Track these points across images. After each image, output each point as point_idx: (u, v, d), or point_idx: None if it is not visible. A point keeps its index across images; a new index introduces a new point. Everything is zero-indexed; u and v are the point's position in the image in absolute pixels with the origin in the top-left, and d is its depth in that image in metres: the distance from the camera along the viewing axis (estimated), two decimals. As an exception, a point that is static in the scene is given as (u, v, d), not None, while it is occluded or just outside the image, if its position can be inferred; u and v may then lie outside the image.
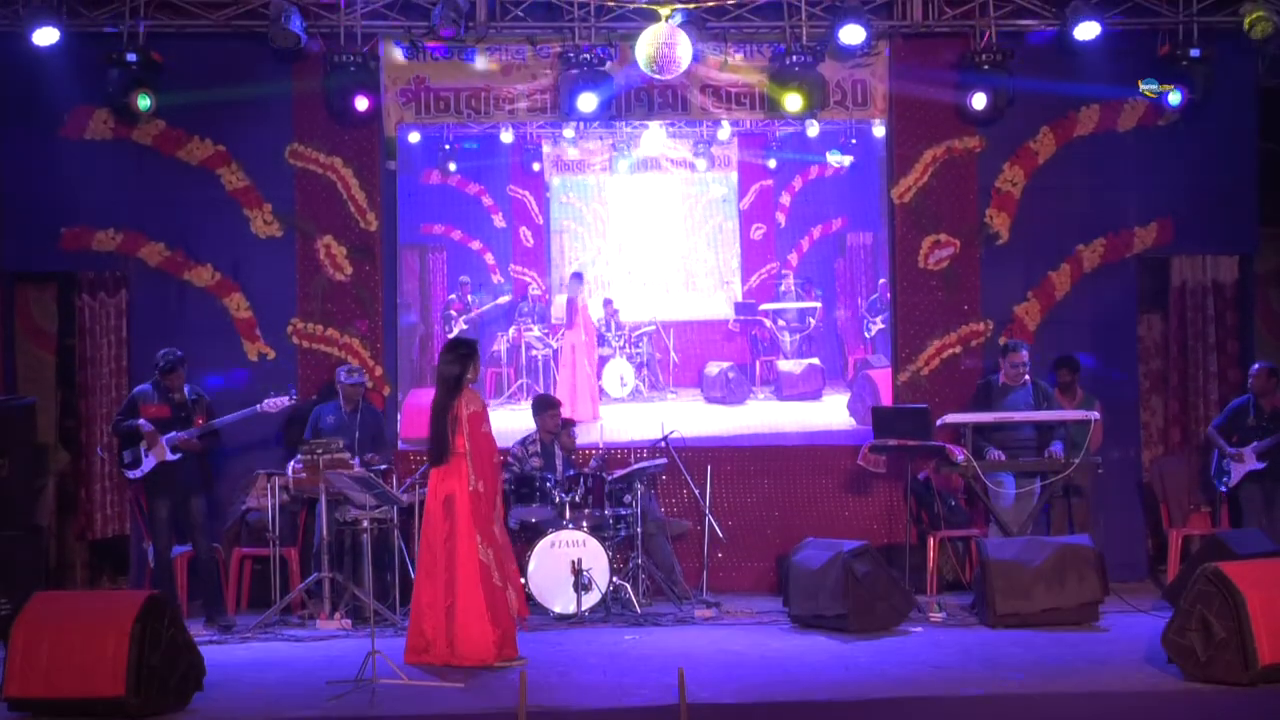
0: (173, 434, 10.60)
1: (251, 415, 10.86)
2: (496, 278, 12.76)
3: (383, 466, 10.92)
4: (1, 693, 7.59)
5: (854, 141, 12.76)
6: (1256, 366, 11.63)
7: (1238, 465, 11.33)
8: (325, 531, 10.46)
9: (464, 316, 12.64)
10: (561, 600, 10.50)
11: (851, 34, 11.50)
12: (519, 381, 12.70)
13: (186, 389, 10.80)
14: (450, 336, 12.11)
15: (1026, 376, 11.26)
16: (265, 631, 10.29)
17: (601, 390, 12.75)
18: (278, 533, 10.98)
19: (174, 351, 10.79)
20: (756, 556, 12.25)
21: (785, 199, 12.90)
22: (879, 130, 12.64)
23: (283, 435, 11.76)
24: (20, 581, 10.33)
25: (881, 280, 12.79)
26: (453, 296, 12.93)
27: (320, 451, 10.47)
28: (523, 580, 10.25)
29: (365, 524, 9.82)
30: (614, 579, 10.76)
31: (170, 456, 10.60)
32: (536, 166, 12.79)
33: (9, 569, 10.55)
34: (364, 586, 9.83)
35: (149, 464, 10.64)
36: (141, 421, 10.61)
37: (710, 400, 12.79)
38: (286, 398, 10.86)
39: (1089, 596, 10.08)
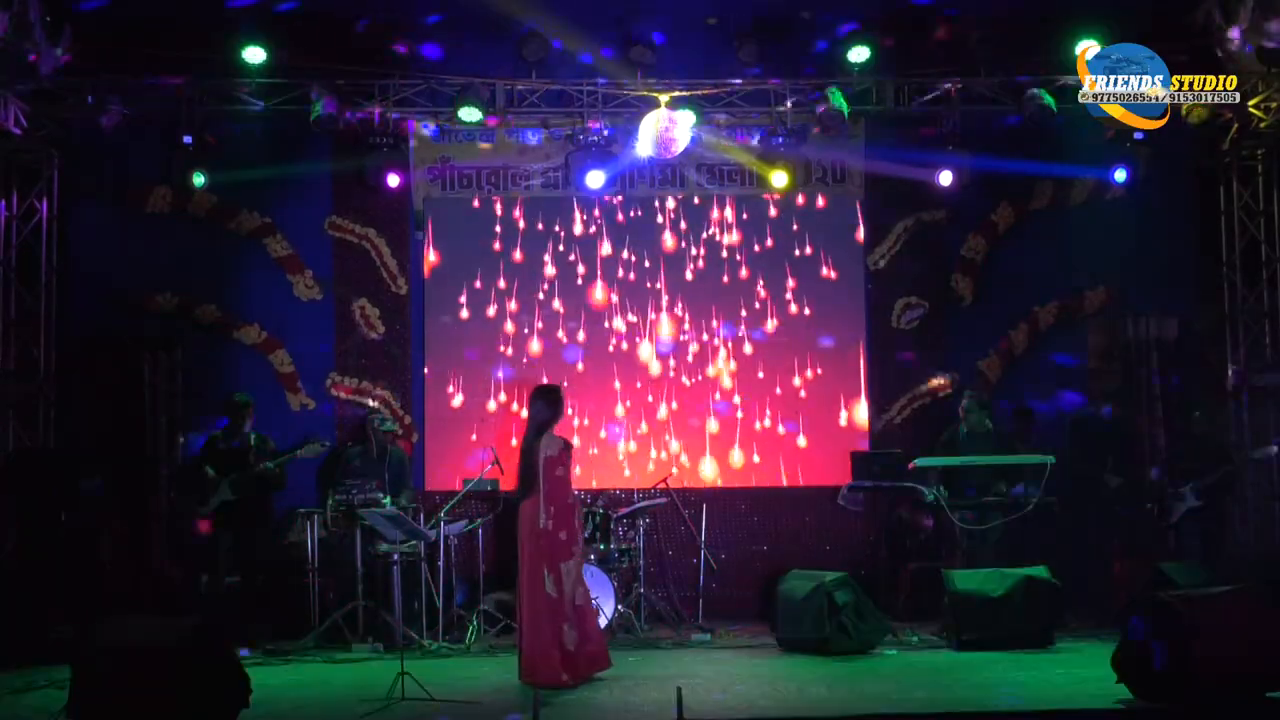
0: (233, 476, 10.73)
1: (291, 460, 10.91)
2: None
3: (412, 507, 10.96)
4: (65, 714, 7.56)
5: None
6: (1196, 415, 11.67)
7: (1178, 503, 11.33)
8: (359, 564, 10.48)
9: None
10: (572, 627, 10.46)
11: (830, 118, 11.60)
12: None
13: (251, 434, 10.94)
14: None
15: (988, 422, 11.25)
16: (304, 654, 10.28)
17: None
18: (315, 565, 10.99)
19: (243, 394, 11.03)
20: (747, 586, 12.23)
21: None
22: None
23: (319, 477, 11.77)
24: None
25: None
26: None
27: (355, 492, 10.54)
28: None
29: (395, 557, 9.86)
30: (619, 607, 10.74)
31: (230, 496, 10.71)
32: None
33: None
34: (394, 613, 9.85)
35: (214, 503, 10.77)
36: (207, 469, 10.81)
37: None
38: (320, 445, 10.91)
39: (1046, 622, 10.09)
